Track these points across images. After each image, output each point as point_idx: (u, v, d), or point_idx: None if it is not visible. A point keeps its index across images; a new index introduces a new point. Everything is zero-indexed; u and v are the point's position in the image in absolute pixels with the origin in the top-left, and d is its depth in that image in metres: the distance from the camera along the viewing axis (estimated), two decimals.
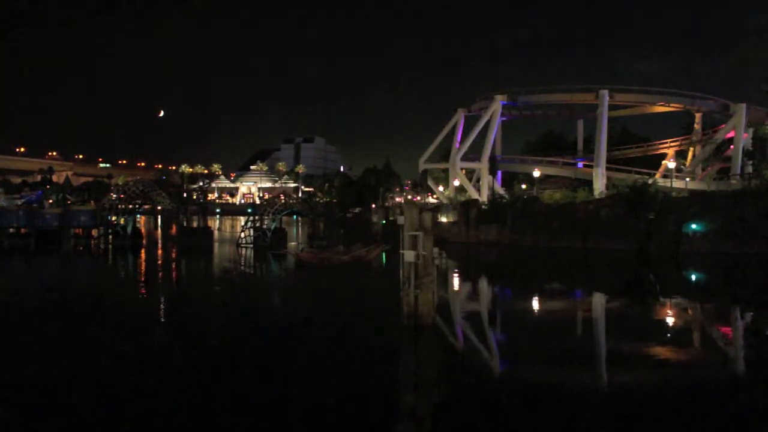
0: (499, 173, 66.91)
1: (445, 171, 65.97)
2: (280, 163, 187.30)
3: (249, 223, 48.47)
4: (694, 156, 61.69)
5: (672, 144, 64.27)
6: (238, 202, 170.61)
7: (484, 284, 30.48)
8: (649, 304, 23.52)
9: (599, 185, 52.98)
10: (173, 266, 37.18)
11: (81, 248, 47.46)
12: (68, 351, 14.82)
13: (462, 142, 62.73)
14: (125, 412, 10.50)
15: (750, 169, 51.83)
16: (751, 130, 56.13)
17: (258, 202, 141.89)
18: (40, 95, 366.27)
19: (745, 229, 38.54)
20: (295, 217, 79.56)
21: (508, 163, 65.98)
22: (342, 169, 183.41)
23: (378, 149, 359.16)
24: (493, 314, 21.68)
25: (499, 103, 60.02)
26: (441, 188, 70.61)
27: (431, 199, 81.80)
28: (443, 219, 56.07)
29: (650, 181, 49.27)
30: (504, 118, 63.73)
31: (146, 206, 59.13)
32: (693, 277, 32.92)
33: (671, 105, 60.41)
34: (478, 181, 61.97)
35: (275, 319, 19.21)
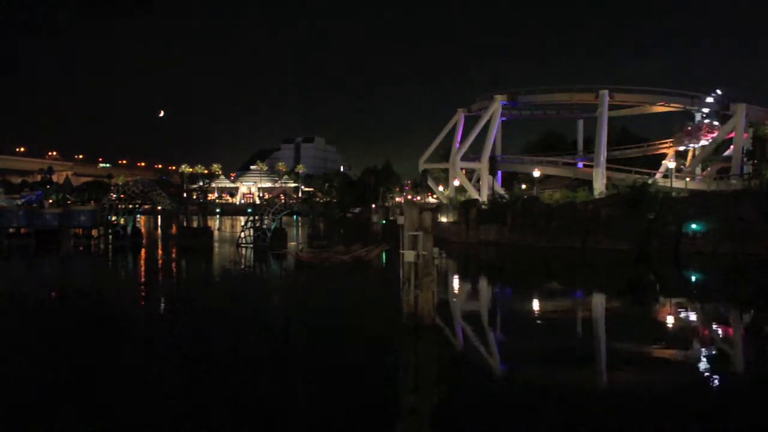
0: (499, 173, 66.98)
1: (445, 171, 65.98)
2: (280, 163, 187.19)
3: (249, 223, 48.44)
4: (694, 156, 61.71)
5: (672, 144, 64.25)
6: (238, 202, 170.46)
7: (484, 284, 30.47)
8: (649, 304, 23.51)
9: (599, 185, 53.01)
10: (173, 266, 37.17)
11: (81, 248, 47.43)
12: (66, 352, 14.83)
13: (462, 142, 62.75)
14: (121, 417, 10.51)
15: (750, 169, 51.83)
16: (751, 130, 56.11)
17: (258, 202, 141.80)
18: (40, 95, 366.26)
19: (745, 229, 38.53)
20: (295, 217, 79.80)
21: (508, 163, 66.03)
22: (342, 169, 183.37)
23: (378, 149, 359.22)
24: (493, 314, 21.68)
25: (499, 103, 60.04)
26: (441, 188, 70.64)
27: (431, 199, 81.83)
28: (443, 219, 56.07)
29: (650, 181, 49.28)
30: (504, 118, 63.77)
31: (146, 206, 59.11)
32: (693, 277, 32.90)
33: (671, 105, 60.43)
34: (478, 181, 62.01)
35: (275, 320, 19.21)
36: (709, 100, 58.08)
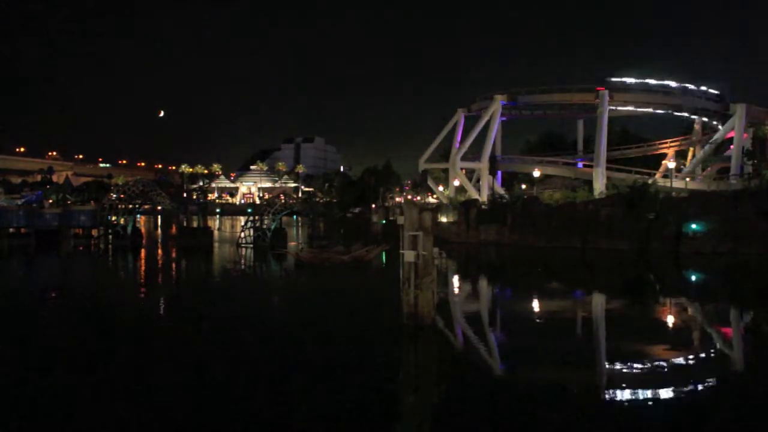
0: (499, 173, 66.96)
1: (445, 171, 65.98)
2: (280, 163, 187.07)
3: (249, 223, 48.47)
4: (693, 156, 61.69)
5: (672, 144, 64.24)
6: (238, 202, 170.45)
7: (484, 284, 30.48)
8: (649, 304, 23.52)
9: (599, 185, 53.01)
10: (173, 266, 37.18)
11: (81, 248, 47.45)
12: (66, 353, 14.84)
13: (462, 142, 62.74)
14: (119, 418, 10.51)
15: (750, 169, 51.81)
16: (750, 130, 56.12)
17: (258, 202, 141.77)
18: (40, 95, 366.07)
19: (745, 229, 38.52)
20: (295, 217, 79.78)
21: (508, 163, 66.01)
22: (342, 169, 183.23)
23: (378, 149, 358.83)
24: (493, 314, 21.68)
25: (499, 103, 60.02)
26: (441, 188, 70.64)
27: (431, 199, 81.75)
28: (443, 219, 56.04)
29: (650, 181, 49.27)
30: (504, 118, 63.76)
31: (146, 206, 59.10)
32: (693, 277, 32.91)
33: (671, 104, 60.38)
34: (478, 181, 62.00)
35: (274, 320, 19.21)
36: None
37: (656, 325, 19.20)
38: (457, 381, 12.62)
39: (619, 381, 12.77)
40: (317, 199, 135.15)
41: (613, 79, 58.87)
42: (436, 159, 68.30)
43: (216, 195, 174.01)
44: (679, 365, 14.16)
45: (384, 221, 75.70)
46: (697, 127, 62.83)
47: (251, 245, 45.51)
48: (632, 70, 71.54)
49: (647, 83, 59.00)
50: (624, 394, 11.70)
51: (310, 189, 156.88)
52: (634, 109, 62.76)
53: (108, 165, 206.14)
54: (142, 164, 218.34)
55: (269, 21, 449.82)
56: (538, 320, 20.47)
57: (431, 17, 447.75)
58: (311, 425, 9.97)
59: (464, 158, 61.42)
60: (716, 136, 58.19)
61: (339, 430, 9.85)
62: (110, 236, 51.23)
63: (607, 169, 55.37)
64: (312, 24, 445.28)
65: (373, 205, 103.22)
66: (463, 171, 61.83)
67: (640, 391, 11.76)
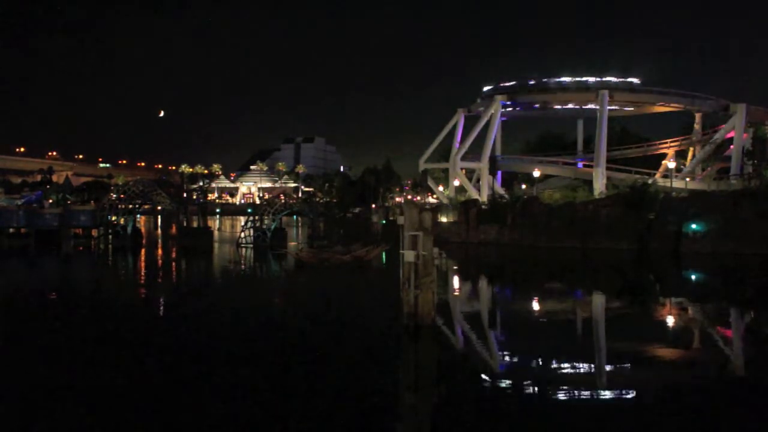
0: (499, 173, 66.97)
1: (445, 171, 66.01)
2: (280, 163, 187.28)
3: (249, 223, 48.49)
4: (694, 156, 61.68)
5: (672, 144, 64.21)
6: (238, 202, 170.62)
7: (484, 284, 30.47)
8: (649, 304, 23.51)
9: (599, 185, 53.02)
10: (173, 267, 37.17)
11: (81, 248, 47.45)
12: (66, 354, 14.83)
13: (462, 142, 62.77)
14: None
15: (750, 169, 51.81)
16: (751, 130, 56.13)
17: (258, 202, 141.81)
18: (41, 95, 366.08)
19: (745, 229, 38.53)
20: (295, 217, 79.78)
21: (508, 163, 66.01)
22: (342, 169, 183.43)
23: (378, 149, 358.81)
24: (492, 314, 21.68)
25: (499, 103, 60.04)
26: (441, 188, 70.68)
27: (431, 199, 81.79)
28: (443, 219, 56.05)
29: (650, 181, 49.27)
30: (504, 118, 63.74)
31: (146, 206, 59.11)
32: (693, 277, 32.91)
33: (671, 105, 60.42)
34: (478, 181, 62.02)
35: (274, 320, 19.20)
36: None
37: (656, 325, 19.20)
38: (457, 381, 12.62)
39: (619, 381, 12.77)
40: (317, 199, 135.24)
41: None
42: (436, 159, 68.34)
43: (216, 195, 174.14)
44: (680, 365, 14.16)
45: (384, 221, 75.84)
46: (697, 127, 62.82)
47: (251, 245, 45.51)
48: (634, 70, 71.38)
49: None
50: (624, 394, 11.70)
51: (310, 189, 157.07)
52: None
53: (108, 165, 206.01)
54: (142, 164, 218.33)
55: (269, 21, 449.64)
56: (538, 320, 20.47)
57: (431, 17, 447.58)
58: (311, 425, 9.96)
59: (464, 158, 61.44)
60: (716, 136, 58.19)
61: (339, 430, 9.84)
62: (110, 236, 51.23)
63: (607, 169, 55.39)
64: (312, 24, 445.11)
65: (373, 205, 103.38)
66: (463, 171, 61.84)
67: (640, 391, 11.75)
